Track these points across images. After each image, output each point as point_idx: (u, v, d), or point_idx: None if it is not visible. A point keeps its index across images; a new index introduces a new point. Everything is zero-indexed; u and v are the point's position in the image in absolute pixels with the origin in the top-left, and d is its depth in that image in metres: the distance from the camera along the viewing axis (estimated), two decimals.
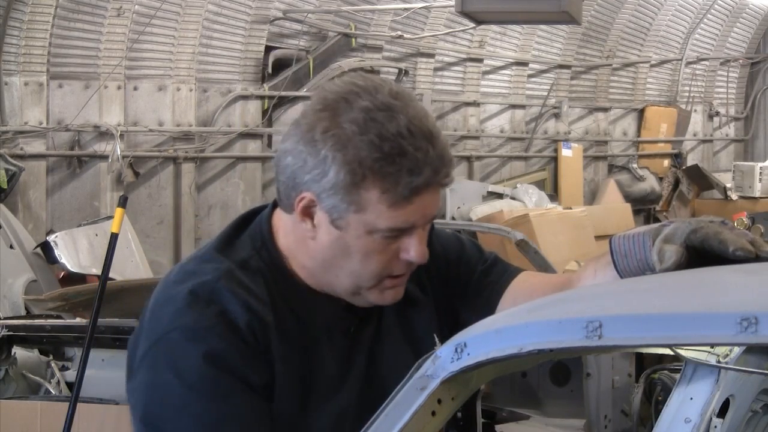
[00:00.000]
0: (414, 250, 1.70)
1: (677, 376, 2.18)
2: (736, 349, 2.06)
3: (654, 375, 4.83)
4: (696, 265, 1.54)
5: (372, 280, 1.71)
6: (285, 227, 1.77)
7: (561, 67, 13.40)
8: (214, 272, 1.69)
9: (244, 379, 1.63)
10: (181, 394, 1.62)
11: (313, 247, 1.71)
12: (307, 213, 1.69)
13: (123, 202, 4.37)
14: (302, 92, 10.50)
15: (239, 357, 1.63)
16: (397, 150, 1.62)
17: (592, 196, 13.93)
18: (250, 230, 1.79)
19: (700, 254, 1.54)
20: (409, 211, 1.66)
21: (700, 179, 14.58)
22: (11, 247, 7.29)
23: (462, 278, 1.90)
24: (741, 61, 15.90)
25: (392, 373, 1.75)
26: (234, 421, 1.62)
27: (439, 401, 1.43)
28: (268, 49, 10.22)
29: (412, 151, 1.62)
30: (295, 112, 10.60)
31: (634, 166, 14.32)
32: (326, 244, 1.70)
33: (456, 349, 1.40)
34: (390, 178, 1.63)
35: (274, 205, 1.80)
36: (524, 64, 12.98)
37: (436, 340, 1.82)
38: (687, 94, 15.23)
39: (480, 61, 12.46)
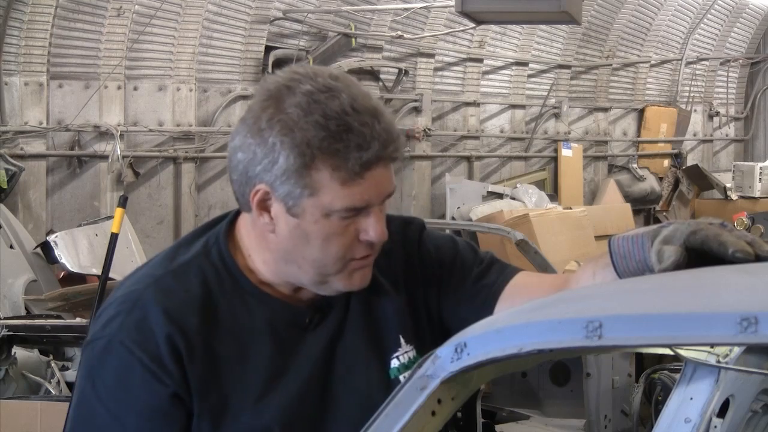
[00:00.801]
0: (372, 229, 1.69)
1: (677, 376, 2.18)
2: (736, 349, 2.06)
3: (654, 375, 4.84)
4: (695, 267, 1.54)
5: (335, 265, 1.71)
6: (245, 226, 1.79)
7: (561, 67, 13.40)
8: (147, 279, 1.74)
9: (147, 400, 1.67)
10: (95, 408, 1.69)
11: (274, 240, 1.72)
12: (263, 206, 1.70)
13: (123, 202, 4.37)
14: None
15: (143, 375, 1.66)
16: (343, 127, 1.63)
17: (592, 196, 13.94)
18: (209, 233, 1.82)
19: (700, 255, 1.54)
20: (362, 188, 1.66)
21: (700, 179, 14.58)
22: (11, 247, 7.29)
23: (457, 280, 1.89)
24: (741, 61, 15.90)
25: (350, 368, 1.78)
26: None
27: (439, 401, 1.43)
28: (268, 49, 10.22)
29: (357, 126, 1.64)
30: None
31: (634, 166, 14.33)
32: (285, 235, 1.70)
33: (456, 349, 1.40)
34: (339, 155, 1.63)
35: (236, 213, 1.82)
36: (524, 64, 12.99)
37: (401, 340, 1.83)
38: (687, 94, 15.24)
39: (480, 61, 12.46)
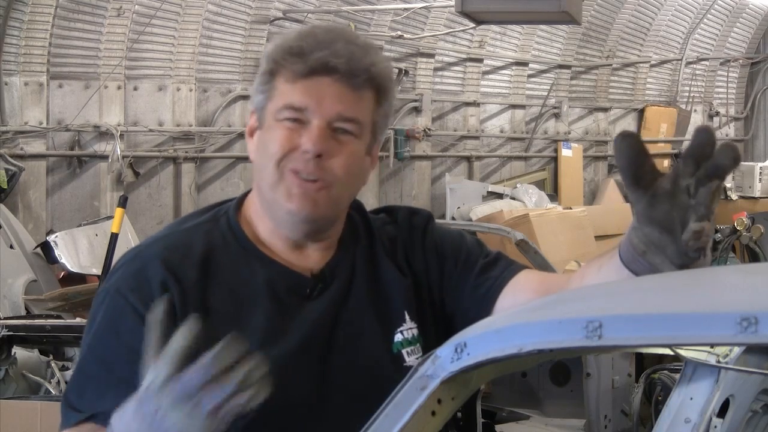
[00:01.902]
0: (308, 138, 1.72)
1: (677, 376, 2.18)
2: (736, 349, 2.06)
3: (654, 375, 4.83)
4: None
5: (275, 170, 1.74)
6: (253, 187, 1.85)
7: (561, 67, 13.40)
8: (152, 238, 1.81)
9: (134, 345, 1.64)
10: (87, 358, 1.75)
11: (254, 163, 1.81)
12: (252, 134, 1.81)
13: (123, 202, 4.37)
14: None
15: (133, 320, 1.69)
16: (309, 33, 1.75)
17: (592, 196, 13.94)
18: (220, 207, 1.88)
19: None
20: (306, 89, 1.72)
21: None
22: (11, 247, 7.29)
23: (461, 273, 1.89)
24: (741, 61, 15.91)
25: (353, 336, 1.79)
26: (120, 385, 1.65)
27: (439, 401, 1.43)
28: None
29: (320, 35, 1.75)
30: None
31: None
32: (256, 150, 1.79)
33: (456, 349, 1.40)
34: (295, 54, 1.73)
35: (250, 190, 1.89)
36: (524, 64, 12.99)
37: (406, 316, 1.83)
38: (687, 94, 15.24)
39: (480, 61, 12.47)
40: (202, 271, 1.74)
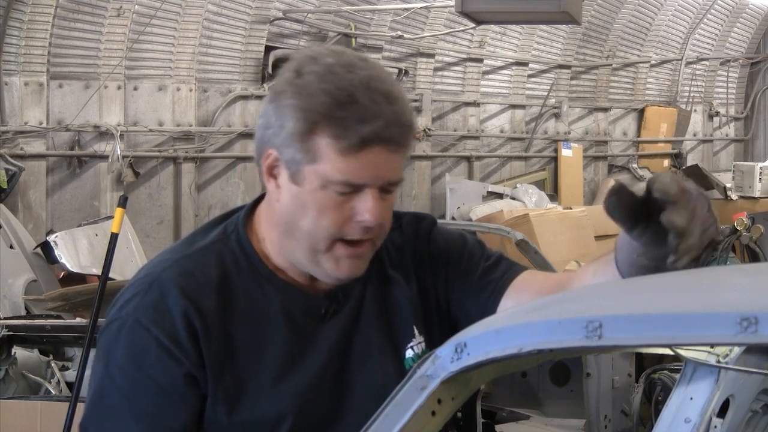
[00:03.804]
0: (368, 211, 1.68)
1: (677, 376, 2.18)
2: (736, 349, 2.06)
3: (654, 375, 4.83)
4: (646, 210, 1.54)
5: (325, 241, 1.69)
6: (263, 209, 1.80)
7: (561, 67, 13.40)
8: (165, 263, 1.75)
9: (162, 379, 1.66)
10: (107, 389, 1.70)
11: (278, 210, 1.73)
12: (272, 173, 1.72)
13: (123, 202, 4.36)
14: None
15: (160, 354, 1.66)
16: (350, 98, 1.64)
17: (592, 196, 13.94)
18: (228, 221, 1.83)
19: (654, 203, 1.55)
20: (360, 164, 1.66)
21: (699, 179, 14.57)
22: (11, 247, 7.29)
23: (464, 275, 1.90)
24: (741, 61, 15.90)
25: (364, 359, 1.78)
26: (144, 419, 1.66)
27: (439, 401, 1.43)
28: (268, 49, 10.22)
29: (364, 101, 1.65)
30: None
31: (634, 166, 14.33)
32: (287, 204, 1.71)
33: (456, 349, 1.40)
34: (340, 123, 1.64)
35: (261, 197, 1.83)
36: (524, 64, 12.99)
37: (415, 331, 1.83)
38: (687, 94, 15.24)
39: (480, 61, 12.46)
40: (219, 299, 1.71)
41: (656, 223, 1.54)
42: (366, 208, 1.68)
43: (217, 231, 1.80)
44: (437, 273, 1.90)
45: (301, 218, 1.69)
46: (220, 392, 1.68)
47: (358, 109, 1.64)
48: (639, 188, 1.55)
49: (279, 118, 1.67)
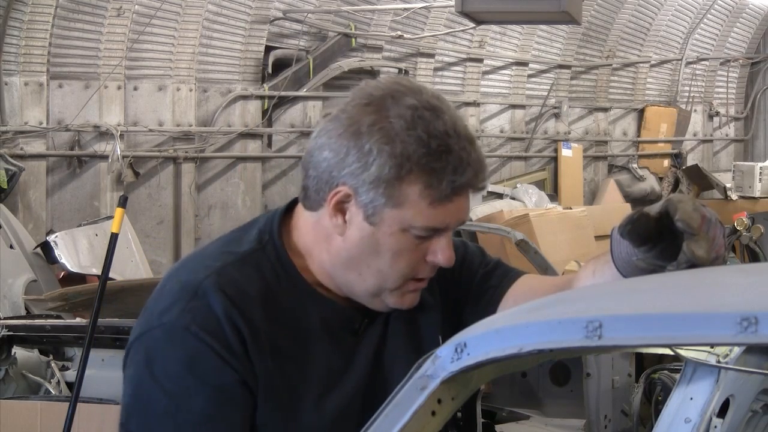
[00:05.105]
0: (442, 253, 1.71)
1: (677, 376, 2.18)
2: (736, 349, 2.06)
3: (654, 375, 4.83)
4: (659, 233, 1.57)
5: (397, 280, 1.71)
6: (305, 225, 1.77)
7: (561, 67, 13.40)
8: (206, 270, 1.71)
9: (218, 384, 1.65)
10: (153, 395, 1.66)
11: (340, 244, 1.71)
12: (340, 208, 1.69)
13: (123, 202, 4.36)
14: (302, 92, 10.50)
15: (214, 360, 1.64)
16: (444, 148, 1.64)
17: (592, 196, 13.94)
18: (261, 226, 1.80)
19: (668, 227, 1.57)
20: (447, 211, 1.67)
21: (700, 179, 14.58)
22: (11, 247, 7.29)
23: (464, 282, 1.91)
24: (741, 61, 15.90)
25: (393, 374, 1.77)
26: (202, 423, 1.64)
27: (439, 401, 1.43)
28: (268, 49, 10.22)
29: (457, 150, 1.65)
30: (295, 111, 10.63)
31: (634, 166, 14.33)
32: (355, 241, 1.69)
33: (456, 349, 1.41)
34: (435, 174, 1.64)
35: (289, 206, 1.81)
36: (524, 64, 12.99)
37: (440, 341, 1.83)
38: (687, 94, 15.24)
39: (480, 61, 12.47)
40: (264, 308, 1.70)
41: (666, 240, 1.57)
42: (442, 250, 1.71)
43: (252, 239, 1.78)
44: (444, 281, 1.90)
45: (373, 258, 1.70)
46: (270, 403, 1.67)
47: (453, 159, 1.65)
48: (654, 211, 1.57)
49: (361, 159, 1.65)
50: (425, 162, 1.63)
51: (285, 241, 1.78)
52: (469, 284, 1.90)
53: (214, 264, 1.73)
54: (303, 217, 1.77)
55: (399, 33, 11.15)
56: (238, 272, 1.71)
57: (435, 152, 1.64)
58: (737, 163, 14.79)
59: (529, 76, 13.15)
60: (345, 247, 1.71)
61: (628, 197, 13.71)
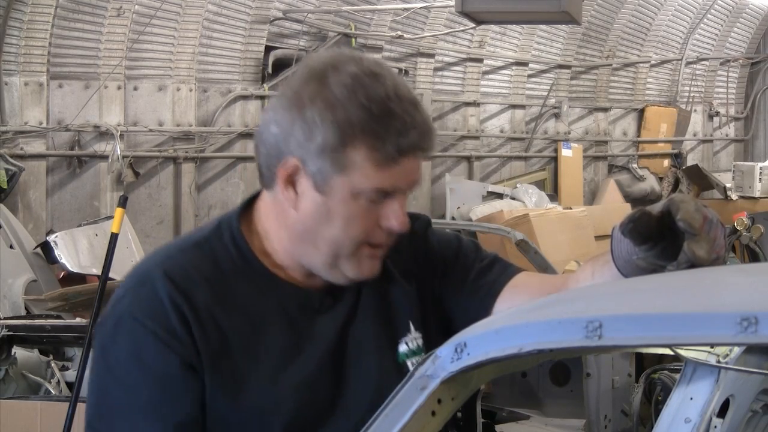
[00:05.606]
0: (395, 217, 1.72)
1: (677, 376, 2.18)
2: (736, 349, 2.06)
3: (654, 375, 4.84)
4: (661, 232, 1.57)
5: (351, 246, 1.72)
6: (265, 206, 1.80)
7: (561, 67, 13.40)
8: (156, 258, 1.76)
9: (162, 370, 1.67)
10: (109, 384, 1.71)
11: (293, 217, 1.73)
12: (291, 181, 1.71)
13: (123, 202, 4.36)
14: None
15: (157, 345, 1.67)
16: (386, 111, 1.66)
17: (592, 196, 13.94)
18: (223, 215, 1.84)
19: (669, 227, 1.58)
20: (394, 173, 1.68)
21: (700, 179, 14.58)
22: (11, 247, 7.29)
23: (458, 276, 1.90)
24: (741, 61, 15.89)
25: (362, 348, 1.79)
26: (150, 410, 1.68)
27: (439, 401, 1.43)
28: (268, 49, 10.22)
29: (399, 112, 1.67)
30: None
31: (634, 166, 14.32)
32: (308, 212, 1.71)
33: (456, 349, 1.41)
34: (379, 137, 1.66)
35: (253, 197, 1.84)
36: (524, 64, 12.99)
37: (411, 326, 1.83)
38: (687, 94, 15.23)
39: (480, 61, 12.46)
40: (211, 292, 1.72)
41: (666, 240, 1.58)
42: (394, 214, 1.72)
43: (211, 228, 1.81)
44: (432, 272, 1.91)
45: (326, 226, 1.71)
46: (217, 383, 1.69)
47: (395, 122, 1.67)
48: (656, 210, 1.58)
49: (305, 130, 1.67)
50: (368, 126, 1.65)
51: (245, 226, 1.80)
52: (464, 278, 1.90)
53: (165, 252, 1.78)
54: (263, 199, 1.80)
55: (399, 33, 11.15)
56: (187, 258, 1.75)
57: (377, 116, 1.66)
58: (737, 163, 14.79)
59: (529, 76, 13.15)
60: (300, 219, 1.73)
61: (628, 197, 13.70)
